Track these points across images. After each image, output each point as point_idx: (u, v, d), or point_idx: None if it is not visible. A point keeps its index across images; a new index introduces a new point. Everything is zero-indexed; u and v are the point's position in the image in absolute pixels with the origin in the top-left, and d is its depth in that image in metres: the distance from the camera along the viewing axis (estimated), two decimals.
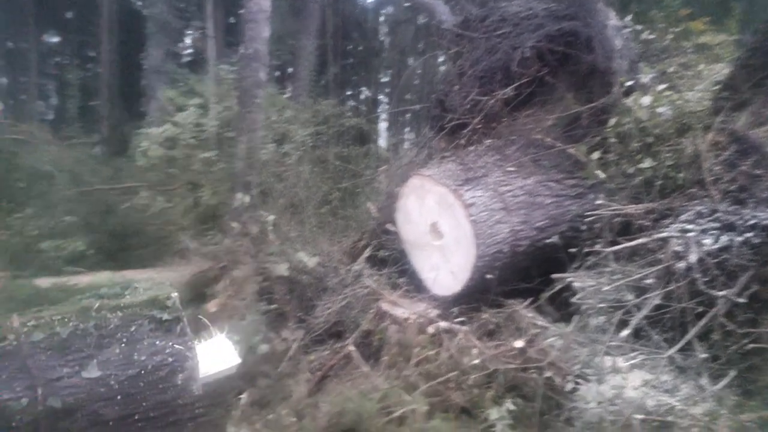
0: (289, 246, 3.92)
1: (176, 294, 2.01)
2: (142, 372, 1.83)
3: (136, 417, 1.83)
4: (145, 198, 6.03)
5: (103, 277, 4.17)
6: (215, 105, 6.40)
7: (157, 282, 2.15)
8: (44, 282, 3.88)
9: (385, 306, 3.26)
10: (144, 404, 1.82)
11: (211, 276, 3.78)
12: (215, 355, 2.23)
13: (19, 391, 1.71)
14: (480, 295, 3.37)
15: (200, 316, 2.95)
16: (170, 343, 1.89)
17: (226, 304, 3.43)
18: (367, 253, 4.43)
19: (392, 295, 3.45)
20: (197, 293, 3.51)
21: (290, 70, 13.37)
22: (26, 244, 4.67)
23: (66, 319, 1.86)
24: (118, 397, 1.79)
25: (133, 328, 1.89)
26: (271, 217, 3.91)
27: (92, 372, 1.77)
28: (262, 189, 5.61)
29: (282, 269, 3.54)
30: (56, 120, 14.27)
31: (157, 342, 1.89)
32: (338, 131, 7.79)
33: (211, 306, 3.40)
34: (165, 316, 1.93)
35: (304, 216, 5.46)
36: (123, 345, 1.85)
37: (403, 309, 3.23)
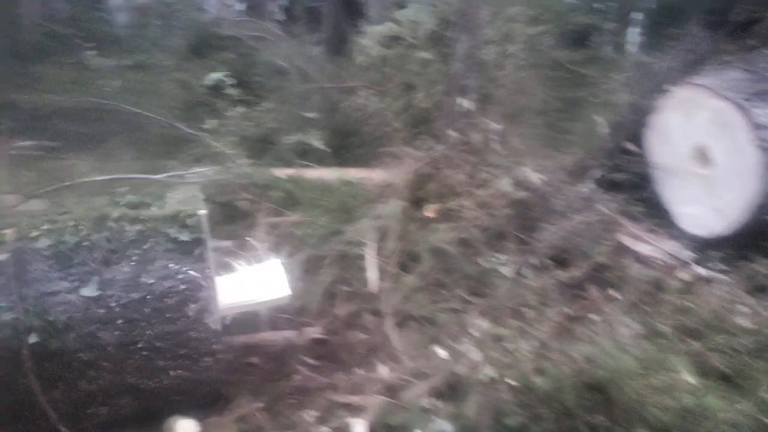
0: (513, 159, 3.60)
1: (204, 212, 1.74)
2: (148, 297, 1.63)
3: (140, 345, 1.65)
4: (362, 98, 6.13)
5: (326, 172, 4.38)
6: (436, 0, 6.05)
7: (190, 196, 1.92)
8: (279, 172, 4.20)
9: (625, 239, 2.81)
10: (148, 332, 1.64)
11: (427, 181, 3.67)
12: (264, 282, 2.08)
13: (10, 302, 1.56)
14: (752, 241, 2.71)
15: (248, 238, 2.88)
16: (184, 268, 1.67)
17: (442, 211, 3.32)
18: (597, 174, 3.91)
19: (634, 227, 2.97)
20: (414, 197, 3.44)
21: None
22: (264, 135, 5.08)
23: (79, 227, 1.67)
24: (119, 321, 1.62)
25: (146, 246, 1.67)
26: (497, 126, 3.59)
27: (91, 290, 1.60)
28: (479, 94, 5.27)
29: (505, 184, 3.27)
30: (285, 19, 15.33)
31: (171, 265, 1.67)
32: (571, 30, 6.90)
33: (428, 211, 3.31)
34: (183, 237, 1.69)
35: (525, 126, 5.03)
36: (132, 264, 1.65)
37: (649, 245, 2.75)
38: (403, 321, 2.49)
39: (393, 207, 2.93)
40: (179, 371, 1.71)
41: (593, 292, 2.31)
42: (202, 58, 6.16)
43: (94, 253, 1.64)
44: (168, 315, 1.66)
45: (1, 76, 7.71)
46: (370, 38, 6.40)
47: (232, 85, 5.30)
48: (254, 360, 2.28)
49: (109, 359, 1.64)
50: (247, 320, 2.46)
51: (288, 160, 4.78)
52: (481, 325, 2.15)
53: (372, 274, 2.56)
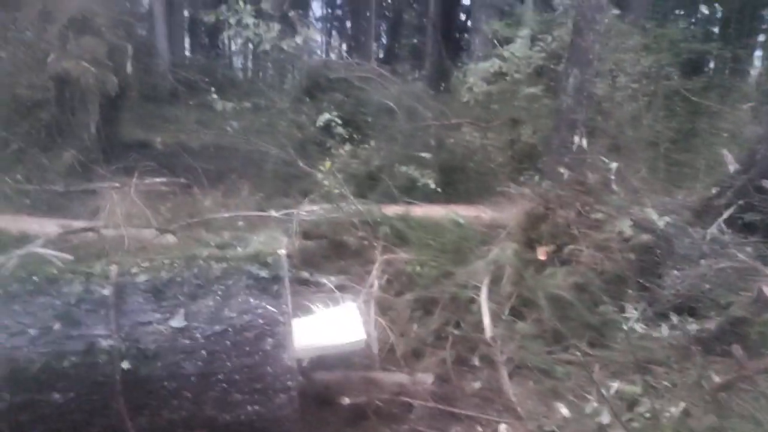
0: (631, 198, 3.41)
1: (283, 252, 1.85)
2: (229, 330, 1.72)
3: (219, 377, 1.71)
4: (467, 134, 6.13)
5: (433, 209, 4.40)
6: (544, 35, 5.97)
7: (270, 237, 2.06)
8: (387, 209, 4.28)
9: (767, 289, 2.53)
10: (228, 365, 1.71)
11: (539, 221, 3.56)
12: (338, 325, 2.08)
13: (108, 330, 1.69)
14: None
15: (324, 280, 2.97)
16: (263, 304, 1.75)
17: (555, 254, 3.20)
18: (726, 213, 3.60)
19: None
20: (526, 239, 3.34)
21: None
22: (371, 172, 5.23)
23: (174, 265, 1.83)
24: (202, 352, 1.70)
25: (230, 282, 1.79)
26: (614, 165, 3.43)
27: (179, 321, 1.71)
28: (590, 128, 5.08)
29: (624, 225, 3.09)
30: (386, 58, 15.87)
31: (251, 300, 1.76)
32: (687, 58, 6.50)
33: (541, 254, 3.20)
34: (263, 274, 1.80)
35: (641, 162, 4.77)
36: (217, 298, 1.76)
37: None
38: (518, 371, 2.40)
39: (505, 249, 2.86)
40: (255, 407, 1.75)
41: (737, 350, 2.07)
42: (313, 99, 6.50)
43: (184, 287, 1.78)
44: (246, 348, 1.73)
45: (139, 119, 8.66)
46: (473, 74, 6.44)
47: (341, 125, 5.54)
48: (363, 400, 2.29)
49: (190, 389, 1.72)
50: (351, 358, 2.49)
51: (394, 197, 4.87)
52: (605, 381, 2.01)
53: (486, 320, 2.50)
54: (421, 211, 4.33)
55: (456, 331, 2.66)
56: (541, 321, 2.57)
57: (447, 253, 3.05)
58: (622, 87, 5.82)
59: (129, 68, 6.65)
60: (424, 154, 4.76)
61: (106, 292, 1.76)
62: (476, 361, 2.54)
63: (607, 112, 5.59)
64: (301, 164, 4.42)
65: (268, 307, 1.80)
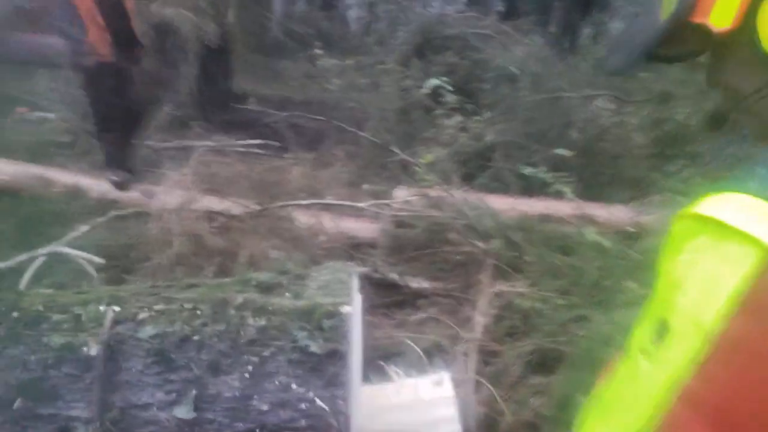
0: None
1: (349, 309, 1.22)
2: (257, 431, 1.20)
3: None
4: (599, 109, 5.10)
5: (558, 207, 3.56)
6: None
7: (338, 278, 1.36)
8: (496, 201, 3.51)
9: None
10: None
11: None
12: (424, 406, 1.54)
13: (90, 412, 1.20)
14: None
15: (414, 284, 2.34)
16: (310, 394, 1.19)
17: None
18: None
19: None
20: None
21: None
22: (481, 150, 4.44)
23: (198, 312, 1.27)
24: None
25: (266, 353, 1.23)
26: None
27: (187, 410, 1.21)
28: None
29: None
30: (507, 13, 14.36)
31: (293, 386, 1.21)
32: None
33: None
34: (314, 347, 1.20)
35: None
36: (246, 377, 1.21)
37: None
38: None
39: None
40: None
41: None
42: (422, 59, 5.73)
43: (202, 353, 1.23)
44: None
45: (243, 72, 8.36)
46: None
47: (451, 91, 4.74)
48: None
49: None
50: None
51: (507, 184, 4.08)
52: None
53: None
54: (541, 206, 3.52)
55: None
56: None
57: (580, 285, 2.26)
58: None
59: (230, 17, 6.23)
60: (561, 151, 3.80)
61: (94, 351, 1.24)
62: None
63: None
64: (399, 136, 3.71)
65: (317, 400, 1.20)
